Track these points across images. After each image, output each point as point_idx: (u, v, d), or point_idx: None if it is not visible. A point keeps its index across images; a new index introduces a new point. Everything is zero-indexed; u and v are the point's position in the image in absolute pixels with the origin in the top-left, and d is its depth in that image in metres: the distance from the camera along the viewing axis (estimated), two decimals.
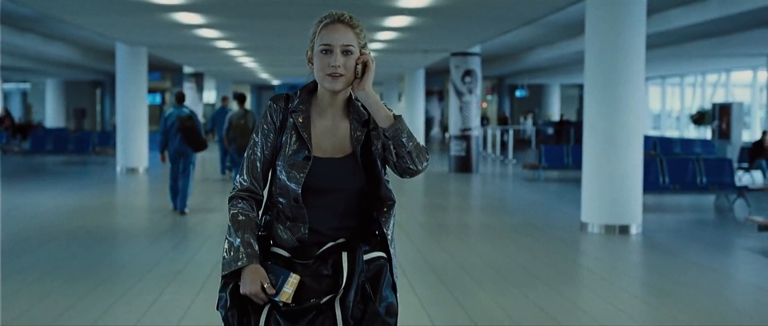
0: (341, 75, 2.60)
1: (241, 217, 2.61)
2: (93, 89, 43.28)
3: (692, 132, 31.08)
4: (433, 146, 33.78)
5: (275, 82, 43.84)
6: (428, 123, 40.59)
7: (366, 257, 2.59)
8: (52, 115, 40.31)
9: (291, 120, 2.65)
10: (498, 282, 7.67)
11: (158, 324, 6.06)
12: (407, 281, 7.42)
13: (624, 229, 10.57)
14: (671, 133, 33.09)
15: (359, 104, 2.69)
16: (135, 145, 20.10)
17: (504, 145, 27.70)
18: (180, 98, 12.34)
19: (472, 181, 18.73)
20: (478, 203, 15.27)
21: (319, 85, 2.66)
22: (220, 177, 18.00)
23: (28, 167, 21.86)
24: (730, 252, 9.81)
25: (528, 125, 37.35)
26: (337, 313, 2.48)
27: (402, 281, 7.12)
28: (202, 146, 11.83)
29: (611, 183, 10.55)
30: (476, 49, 20.73)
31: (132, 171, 19.75)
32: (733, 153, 16.84)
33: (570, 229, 10.97)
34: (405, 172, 2.66)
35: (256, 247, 2.58)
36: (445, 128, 40.35)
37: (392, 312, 2.59)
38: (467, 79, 20.74)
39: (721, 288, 7.78)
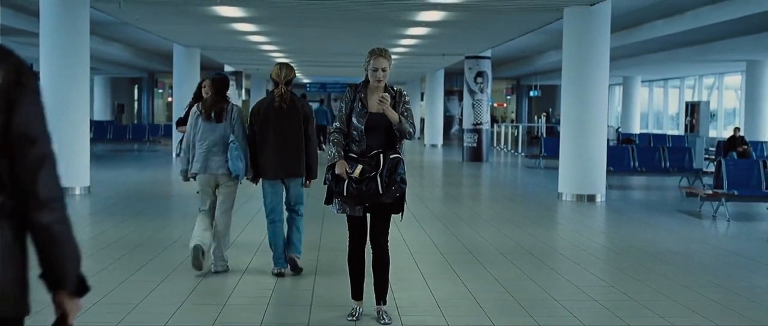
0: (381, 80, 5.60)
1: (336, 140, 5.67)
2: (132, 86, 46.61)
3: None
4: (453, 142, 36.66)
5: (306, 81, 46.78)
6: (448, 121, 43.51)
7: (391, 156, 5.57)
8: (98, 109, 43.62)
9: (358, 95, 5.67)
10: (483, 224, 10.73)
11: (255, 238, 9.13)
12: (418, 224, 10.48)
13: (591, 198, 13.54)
14: (671, 131, 35.77)
15: (389, 89, 5.62)
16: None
17: (516, 141, 30.54)
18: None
19: (482, 168, 21.71)
20: (482, 182, 18.29)
21: (371, 81, 5.64)
22: None
23: (97, 152, 25.13)
24: (665, 212, 12.68)
25: (542, 124, 40.07)
26: (377, 180, 5.47)
27: (414, 223, 10.28)
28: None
29: (581, 161, 13.53)
30: (487, 53, 23.70)
31: None
32: (700, 144, 19.70)
33: (549, 198, 13.96)
34: (401, 139, 5.64)
35: (343, 153, 5.63)
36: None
37: (404, 181, 5.57)
38: (479, 79, 23.72)
39: (643, 231, 10.73)
